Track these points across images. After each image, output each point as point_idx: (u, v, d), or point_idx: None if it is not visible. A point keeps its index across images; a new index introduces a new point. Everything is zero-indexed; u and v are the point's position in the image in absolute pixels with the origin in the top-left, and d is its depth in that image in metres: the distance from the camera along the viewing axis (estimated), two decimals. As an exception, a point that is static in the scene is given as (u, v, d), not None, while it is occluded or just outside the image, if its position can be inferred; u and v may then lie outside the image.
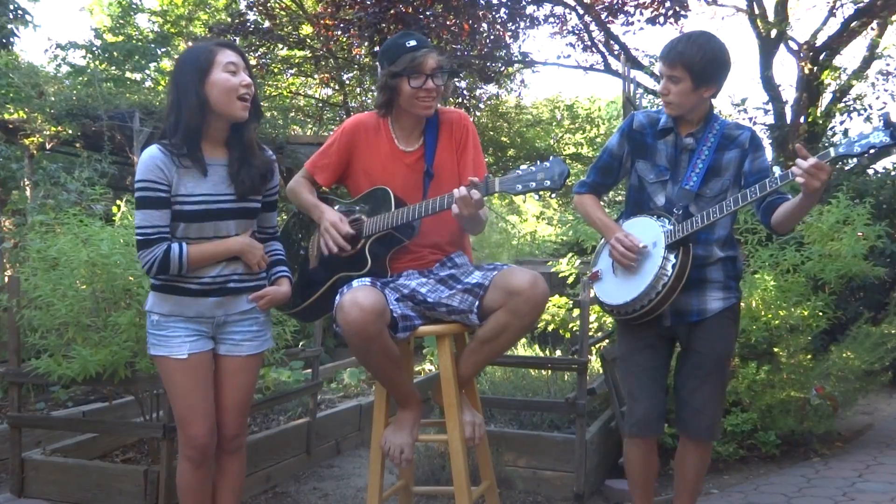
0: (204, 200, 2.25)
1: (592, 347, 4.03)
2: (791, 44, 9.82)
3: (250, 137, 2.32)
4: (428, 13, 8.37)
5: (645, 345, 2.53)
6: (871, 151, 2.04)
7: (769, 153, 8.64)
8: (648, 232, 2.44)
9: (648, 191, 2.52)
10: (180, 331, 2.26)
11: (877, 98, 9.05)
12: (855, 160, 7.92)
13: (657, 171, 2.51)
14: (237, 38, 9.76)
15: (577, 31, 10.93)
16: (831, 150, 2.11)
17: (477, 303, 2.25)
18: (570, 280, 4.58)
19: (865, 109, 8.83)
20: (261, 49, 10.38)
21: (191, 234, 2.26)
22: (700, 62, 2.33)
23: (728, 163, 2.44)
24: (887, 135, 2.00)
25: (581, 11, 10.30)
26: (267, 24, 10.16)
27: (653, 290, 2.36)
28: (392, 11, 8.09)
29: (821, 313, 4.07)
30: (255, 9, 10.22)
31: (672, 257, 2.35)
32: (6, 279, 4.15)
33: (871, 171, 7.80)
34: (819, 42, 9.34)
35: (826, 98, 9.30)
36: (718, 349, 2.46)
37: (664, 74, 2.40)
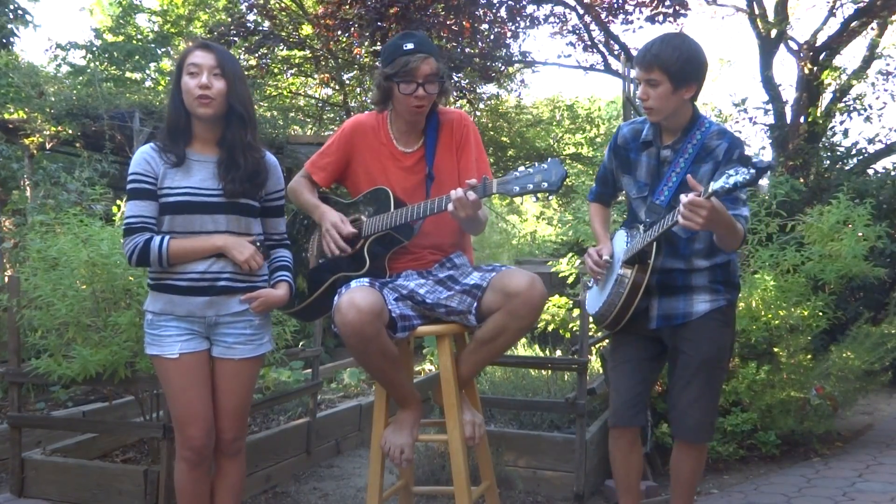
0: (188, 192, 2.27)
1: (592, 347, 4.03)
2: (791, 44, 9.82)
3: (233, 137, 2.30)
4: (428, 11, 8.36)
5: (628, 340, 2.57)
6: (738, 186, 2.04)
7: (769, 154, 8.65)
8: (620, 247, 2.53)
9: (633, 206, 2.56)
10: (172, 329, 2.27)
11: (877, 98, 9.05)
12: (854, 160, 7.94)
13: (637, 186, 2.52)
14: (236, 39, 9.75)
15: (577, 31, 10.94)
16: (710, 185, 2.08)
17: (475, 304, 2.25)
18: (570, 280, 4.58)
19: (865, 109, 8.82)
20: (261, 49, 10.38)
21: (176, 227, 2.27)
22: (677, 62, 2.30)
23: (703, 176, 2.37)
24: (749, 174, 2.01)
25: (581, 11, 10.30)
26: (266, 24, 10.16)
27: (611, 305, 2.46)
28: (393, 9, 8.08)
29: (821, 313, 4.07)
30: (254, 10, 10.20)
31: (627, 273, 2.42)
32: (6, 279, 4.15)
33: (871, 172, 7.81)
34: (819, 42, 9.34)
35: (826, 98, 9.29)
36: (703, 350, 2.44)
37: (642, 79, 2.36)
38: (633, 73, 2.44)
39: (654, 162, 2.48)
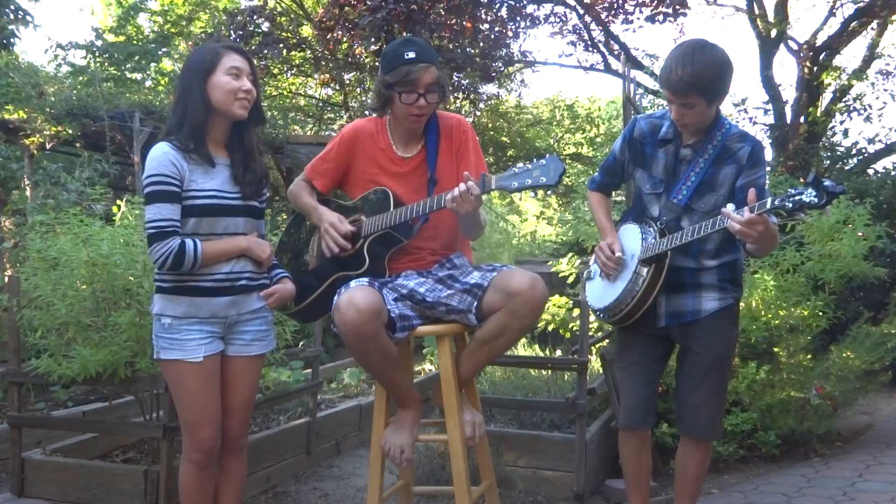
0: (215, 195, 2.27)
1: (592, 347, 4.03)
2: (791, 44, 9.82)
3: (251, 141, 2.36)
4: (431, 15, 8.35)
5: (636, 341, 2.57)
6: (802, 207, 2.05)
7: (769, 153, 8.65)
8: (633, 241, 2.50)
9: (644, 201, 2.55)
10: (195, 333, 2.25)
11: (877, 98, 9.04)
12: (854, 160, 7.95)
13: (652, 182, 2.51)
14: (237, 41, 9.74)
15: (577, 31, 10.93)
16: (767, 201, 2.09)
17: (476, 303, 2.25)
18: (570, 280, 4.58)
19: (865, 109, 8.82)
20: (263, 52, 10.36)
21: (202, 230, 2.26)
22: (712, 83, 2.26)
23: (724, 178, 2.40)
24: (816, 195, 2.02)
25: (581, 11, 10.30)
26: (266, 25, 10.15)
27: (624, 300, 2.45)
28: (397, 11, 8.07)
29: (821, 313, 4.07)
30: (255, 15, 10.18)
31: (644, 272, 2.41)
32: (6, 279, 4.15)
33: (871, 171, 7.82)
34: (819, 42, 9.33)
35: (826, 98, 9.29)
36: (715, 348, 2.46)
37: (675, 102, 2.32)
38: (664, 93, 2.36)
39: (672, 160, 2.47)
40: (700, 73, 2.24)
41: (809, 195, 2.03)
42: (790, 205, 2.05)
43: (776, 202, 2.07)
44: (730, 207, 2.18)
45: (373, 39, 8.28)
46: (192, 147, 2.25)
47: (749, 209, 2.11)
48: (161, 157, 2.21)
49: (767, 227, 2.13)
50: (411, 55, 2.30)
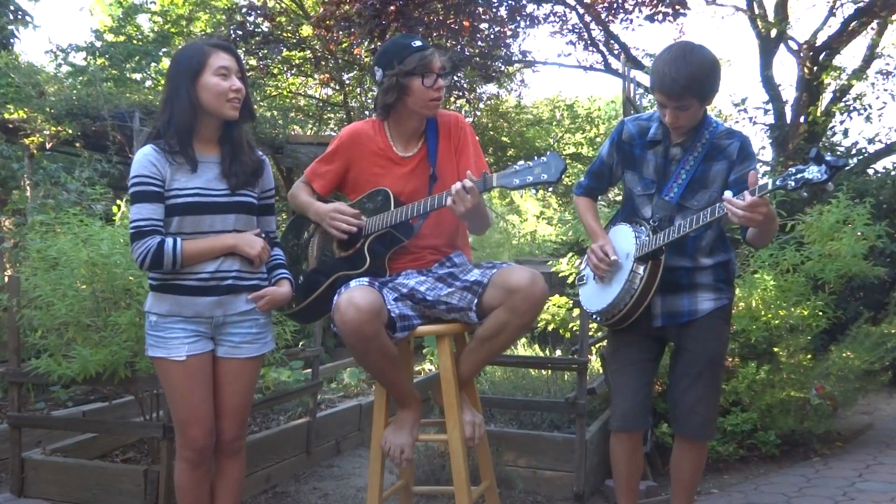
0: (197, 193, 2.26)
1: (592, 347, 4.03)
2: (791, 43, 9.81)
3: (240, 136, 2.36)
4: (427, 8, 8.33)
5: (631, 342, 2.56)
6: (805, 184, 2.01)
7: (769, 153, 8.65)
8: (626, 242, 2.48)
9: (636, 202, 2.53)
10: (178, 332, 2.25)
11: (877, 98, 9.05)
12: (854, 160, 7.95)
13: (644, 183, 2.51)
14: (237, 41, 9.74)
15: (576, 30, 10.93)
16: (769, 182, 2.07)
17: (476, 300, 2.25)
18: (570, 280, 4.58)
19: (865, 109, 8.82)
20: (262, 51, 10.37)
21: (186, 229, 2.25)
22: (704, 84, 2.28)
23: (716, 174, 2.40)
24: (820, 171, 1.98)
25: (581, 10, 10.30)
26: (266, 25, 10.14)
27: (621, 301, 2.43)
28: (392, 6, 8.05)
29: (821, 313, 4.07)
30: (253, 13, 10.17)
31: (641, 270, 2.40)
32: (6, 279, 4.15)
33: (871, 171, 7.81)
34: (819, 42, 9.33)
35: (826, 98, 9.29)
36: (710, 348, 2.46)
37: (669, 105, 2.31)
38: (657, 97, 2.36)
39: (662, 160, 2.47)
40: (694, 75, 2.25)
41: (812, 171, 1.99)
42: (793, 183, 2.02)
43: (778, 182, 2.05)
44: (728, 194, 2.16)
45: (367, 29, 8.21)
46: (178, 149, 2.25)
47: (749, 192, 2.09)
48: (142, 158, 2.24)
49: (770, 210, 2.12)
50: (418, 43, 2.38)
